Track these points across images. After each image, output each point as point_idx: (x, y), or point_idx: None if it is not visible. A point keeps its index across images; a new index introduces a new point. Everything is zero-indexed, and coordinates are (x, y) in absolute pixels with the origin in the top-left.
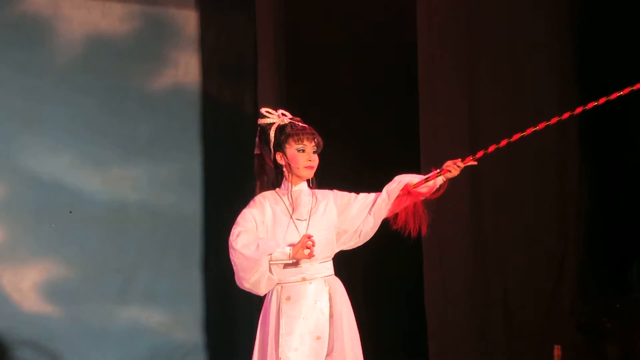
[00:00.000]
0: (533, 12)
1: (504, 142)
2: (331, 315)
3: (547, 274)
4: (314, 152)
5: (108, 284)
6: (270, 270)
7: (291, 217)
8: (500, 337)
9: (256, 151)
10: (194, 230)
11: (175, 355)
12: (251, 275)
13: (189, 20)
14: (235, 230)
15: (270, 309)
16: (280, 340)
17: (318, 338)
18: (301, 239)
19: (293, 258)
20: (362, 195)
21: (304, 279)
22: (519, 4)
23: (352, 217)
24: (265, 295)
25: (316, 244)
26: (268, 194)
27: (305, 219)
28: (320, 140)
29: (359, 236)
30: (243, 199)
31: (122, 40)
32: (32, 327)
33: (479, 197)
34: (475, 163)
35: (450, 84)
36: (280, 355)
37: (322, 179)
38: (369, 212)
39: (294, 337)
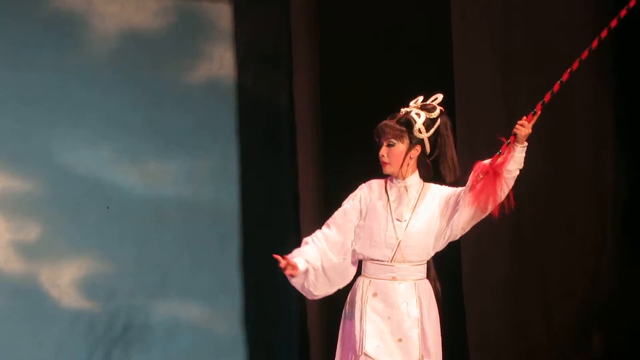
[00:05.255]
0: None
1: (547, 97)
2: (419, 320)
3: (586, 265)
4: (389, 146)
5: (147, 279)
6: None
7: (391, 215)
8: (540, 328)
9: None
10: (231, 224)
11: (215, 349)
12: None
13: (222, 13)
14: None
15: (356, 302)
16: (362, 335)
17: (400, 341)
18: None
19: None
20: (459, 189)
21: (394, 279)
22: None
23: (447, 215)
24: (352, 286)
25: (411, 248)
26: (375, 185)
27: (405, 220)
28: (397, 131)
29: (450, 232)
30: (279, 191)
31: (157, 34)
32: (72, 323)
33: (516, 191)
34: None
35: (486, 77)
36: (364, 350)
37: (365, 177)
38: (457, 206)
39: (376, 336)
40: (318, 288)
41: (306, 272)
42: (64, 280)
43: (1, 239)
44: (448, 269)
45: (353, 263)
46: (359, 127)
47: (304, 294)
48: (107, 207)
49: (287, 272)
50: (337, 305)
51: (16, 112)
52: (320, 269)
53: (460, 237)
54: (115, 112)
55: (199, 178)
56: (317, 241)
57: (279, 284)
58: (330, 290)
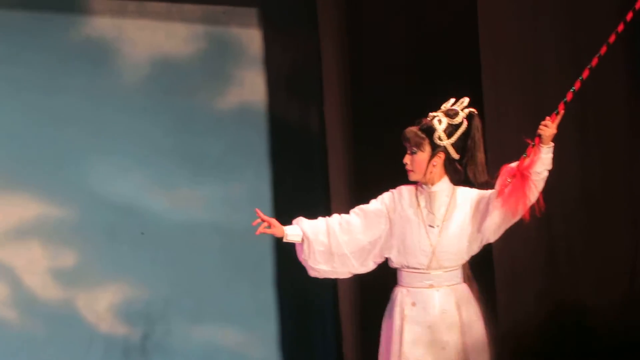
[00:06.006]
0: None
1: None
2: (460, 326)
3: (620, 278)
4: (412, 154)
5: (182, 304)
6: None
7: (424, 222)
8: (574, 344)
9: None
10: (265, 247)
11: None
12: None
13: (252, 38)
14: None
15: (395, 312)
16: (403, 348)
17: (443, 349)
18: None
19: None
20: (490, 192)
21: (431, 286)
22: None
23: (478, 219)
24: (390, 297)
25: (446, 254)
26: (405, 192)
27: (438, 226)
28: (417, 138)
29: (482, 236)
30: (312, 215)
31: (187, 60)
32: (109, 349)
33: (548, 205)
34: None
35: (515, 92)
36: None
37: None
38: (488, 211)
39: (418, 346)
40: (316, 262)
41: (302, 241)
42: (101, 306)
43: (38, 266)
44: (481, 285)
45: (374, 263)
46: (392, 149)
47: (305, 267)
48: (142, 233)
49: (262, 228)
50: (374, 326)
51: (50, 140)
52: (319, 243)
53: (493, 249)
54: (148, 138)
55: (232, 202)
56: (329, 220)
57: (315, 308)
58: (328, 270)
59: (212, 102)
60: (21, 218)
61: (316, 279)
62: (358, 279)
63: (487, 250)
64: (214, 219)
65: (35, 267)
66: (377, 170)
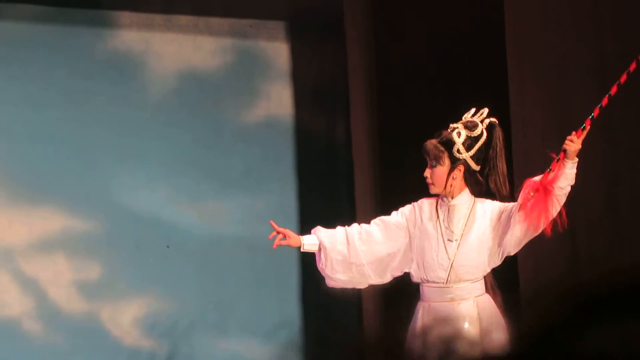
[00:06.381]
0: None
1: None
2: (481, 338)
3: None
4: (432, 167)
5: (207, 317)
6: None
7: (442, 236)
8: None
9: None
10: (290, 261)
11: None
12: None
13: (279, 52)
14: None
15: (417, 328)
16: None
17: None
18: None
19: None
20: (511, 204)
21: (452, 300)
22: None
23: (499, 231)
24: (414, 313)
25: (465, 267)
26: (426, 205)
27: (456, 240)
28: (437, 152)
29: (503, 249)
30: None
31: (214, 74)
32: None
33: (572, 217)
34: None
35: (542, 103)
36: None
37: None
38: (509, 223)
39: None
40: (334, 271)
41: (319, 250)
42: (125, 319)
43: (63, 278)
44: (506, 295)
45: (392, 275)
46: (418, 161)
47: (324, 276)
48: (167, 246)
49: (278, 240)
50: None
51: (75, 153)
52: (336, 252)
53: (520, 264)
54: (174, 151)
55: (257, 216)
56: (348, 229)
57: (339, 322)
58: (345, 279)
59: (239, 115)
60: (46, 231)
61: (341, 293)
62: (383, 294)
63: (512, 258)
64: (239, 231)
65: (60, 279)
66: (403, 183)
